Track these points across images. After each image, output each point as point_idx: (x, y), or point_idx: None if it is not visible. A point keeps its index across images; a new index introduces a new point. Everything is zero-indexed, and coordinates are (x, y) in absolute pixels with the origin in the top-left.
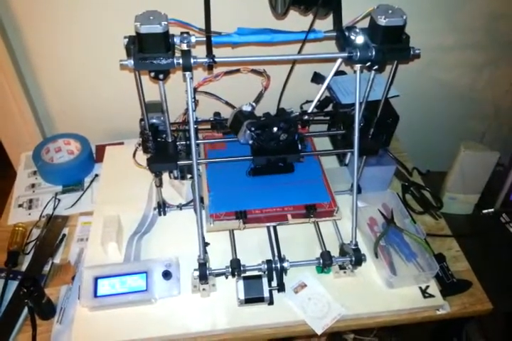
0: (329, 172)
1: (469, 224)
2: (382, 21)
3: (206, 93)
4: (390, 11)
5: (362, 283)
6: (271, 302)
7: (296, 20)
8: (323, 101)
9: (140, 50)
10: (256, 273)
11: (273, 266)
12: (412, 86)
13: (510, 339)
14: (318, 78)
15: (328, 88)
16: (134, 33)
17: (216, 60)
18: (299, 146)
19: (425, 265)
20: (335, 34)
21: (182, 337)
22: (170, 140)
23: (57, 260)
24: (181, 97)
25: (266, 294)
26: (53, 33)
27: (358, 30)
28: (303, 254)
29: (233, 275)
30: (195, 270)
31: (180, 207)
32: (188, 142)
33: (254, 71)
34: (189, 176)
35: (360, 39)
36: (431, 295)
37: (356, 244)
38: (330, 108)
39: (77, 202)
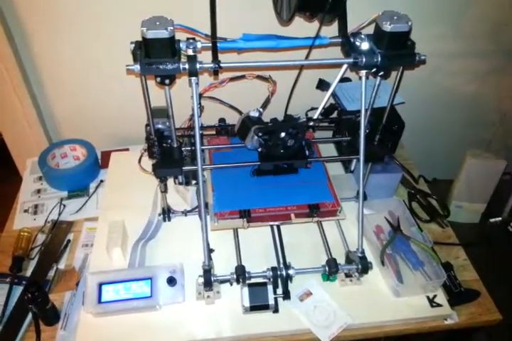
0: (335, 179)
1: (476, 232)
2: (388, 27)
3: (212, 98)
4: (395, 17)
5: (368, 291)
6: (276, 310)
7: (301, 27)
8: (328, 108)
9: (146, 55)
10: (261, 280)
11: (278, 273)
12: (416, 93)
13: None
14: (323, 85)
15: (334, 95)
16: (140, 39)
17: (222, 65)
18: (307, 152)
19: (432, 273)
20: (340, 40)
21: None
22: (175, 145)
23: (61, 265)
24: (187, 103)
25: (271, 301)
26: (59, 39)
27: (363, 36)
28: (308, 261)
29: (238, 282)
30: (199, 276)
31: (185, 213)
32: (193, 147)
33: (259, 77)
34: (194, 182)
35: (365, 45)
36: (438, 305)
37: (363, 252)
38: (335, 115)
39: (82, 207)
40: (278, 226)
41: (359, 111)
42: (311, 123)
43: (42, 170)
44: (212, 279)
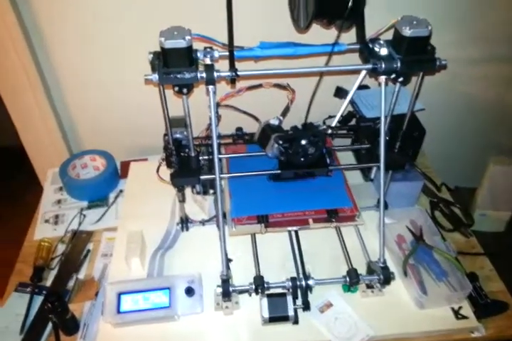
0: (354, 187)
1: (501, 241)
2: (407, 32)
3: (229, 106)
4: (415, 22)
5: (390, 303)
6: (296, 322)
7: (317, 34)
8: (346, 116)
9: (164, 64)
10: (280, 290)
11: (298, 283)
12: (437, 99)
13: None
14: (341, 93)
15: (352, 102)
16: (158, 49)
17: (239, 73)
18: (328, 160)
19: (457, 284)
20: (358, 46)
21: None
22: (193, 154)
23: (81, 275)
24: (204, 113)
25: (291, 313)
26: (79, 50)
27: (381, 42)
28: (328, 271)
29: (257, 292)
30: (218, 286)
31: (203, 222)
32: (210, 157)
33: (277, 85)
34: (212, 191)
35: (384, 51)
36: (464, 317)
37: (384, 262)
38: (353, 122)
39: (101, 217)
40: (296, 233)
41: (378, 119)
42: (330, 131)
43: (63, 181)
44: (231, 289)
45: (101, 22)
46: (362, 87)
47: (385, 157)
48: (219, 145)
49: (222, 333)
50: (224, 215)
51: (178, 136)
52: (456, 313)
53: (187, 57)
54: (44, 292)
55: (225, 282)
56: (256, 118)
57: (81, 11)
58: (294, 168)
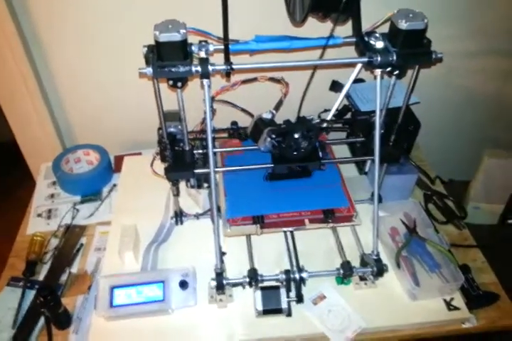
0: (348, 180)
1: (494, 234)
2: (403, 25)
3: (224, 101)
4: (411, 15)
5: (383, 294)
6: (289, 314)
7: (313, 27)
8: (341, 110)
9: (159, 58)
10: (273, 283)
11: (291, 276)
12: (432, 93)
13: None
14: (336, 86)
15: (347, 96)
16: (152, 43)
17: (234, 67)
18: (320, 154)
19: (450, 276)
20: (354, 39)
21: None
22: (187, 148)
23: (74, 269)
24: (198, 106)
25: (284, 305)
26: (73, 44)
27: (377, 35)
28: (321, 264)
29: (250, 285)
30: (212, 279)
31: (197, 216)
32: (205, 151)
33: (272, 79)
34: (206, 185)
35: (380, 44)
36: (456, 308)
37: (378, 254)
38: (348, 116)
39: (95, 212)
40: (291, 231)
41: (373, 112)
42: (325, 125)
43: (56, 175)
44: (225, 282)
45: (95, 16)
46: (357, 80)
47: (380, 150)
48: (213, 139)
49: (216, 326)
50: (218, 209)
51: (172, 130)
52: (448, 304)
53: (181, 50)
54: (36, 286)
55: (219, 275)
56: (251, 114)
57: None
58: (287, 162)
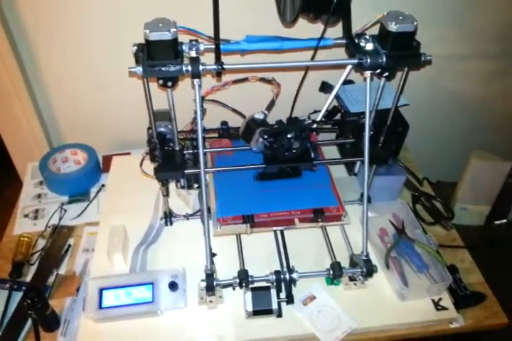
0: (338, 181)
1: (481, 235)
2: (393, 27)
3: (214, 101)
4: (401, 17)
5: (373, 295)
6: (279, 315)
7: (304, 28)
8: (330, 111)
9: (149, 57)
10: (263, 284)
11: (282, 276)
12: (421, 95)
13: None
14: (326, 87)
15: (337, 97)
16: (142, 41)
17: (225, 66)
18: (312, 154)
19: (438, 276)
20: (344, 41)
21: None
22: (177, 148)
23: (62, 271)
24: (188, 106)
25: (274, 306)
26: (61, 42)
27: (367, 37)
28: (311, 265)
29: (241, 286)
30: (202, 281)
31: (187, 216)
32: (195, 151)
33: (262, 79)
34: (196, 186)
35: (370, 46)
36: (444, 308)
37: (367, 255)
38: (337, 117)
39: (83, 212)
40: (282, 231)
41: (363, 113)
42: (315, 126)
43: (43, 175)
44: (215, 283)
45: (83, 12)
46: (347, 81)
47: (370, 151)
48: (204, 139)
49: (206, 327)
50: (208, 210)
51: (162, 129)
52: (437, 305)
53: (172, 49)
54: (23, 288)
55: (209, 276)
56: (242, 115)
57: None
58: (278, 163)
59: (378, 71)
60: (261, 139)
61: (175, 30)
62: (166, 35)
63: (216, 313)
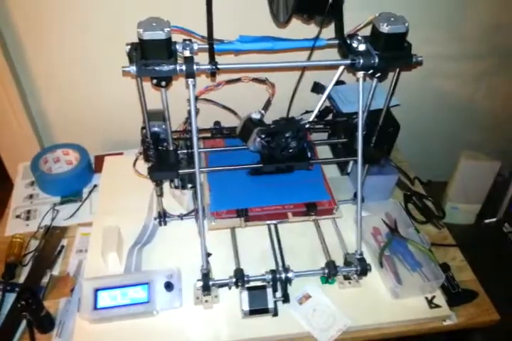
0: (330, 181)
1: (472, 233)
2: (385, 28)
3: (208, 100)
4: (392, 19)
5: (367, 293)
6: (275, 314)
7: (296, 29)
8: (322, 111)
9: (142, 56)
10: (259, 283)
11: (277, 276)
12: (411, 96)
13: None
14: (318, 88)
15: (329, 97)
16: (135, 41)
17: (219, 66)
18: (309, 154)
19: (430, 274)
20: (337, 42)
21: None
22: (171, 148)
23: (55, 272)
24: (181, 106)
25: (271, 305)
26: (52, 41)
27: (360, 38)
28: (305, 264)
29: (237, 285)
30: (198, 280)
31: (181, 217)
32: (189, 150)
33: (256, 80)
34: (190, 186)
35: (362, 46)
36: (437, 306)
37: (361, 254)
38: (329, 117)
39: (75, 212)
40: (276, 227)
41: (354, 113)
42: (307, 126)
43: (35, 175)
44: (211, 283)
45: (76, 11)
46: (338, 82)
47: (363, 150)
48: (198, 139)
49: (202, 327)
50: (203, 209)
51: (155, 129)
52: (430, 302)
53: (166, 49)
54: (17, 289)
55: (205, 276)
56: (234, 113)
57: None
58: (275, 162)
59: (370, 72)
60: (258, 139)
61: (168, 29)
62: (159, 35)
63: (212, 313)
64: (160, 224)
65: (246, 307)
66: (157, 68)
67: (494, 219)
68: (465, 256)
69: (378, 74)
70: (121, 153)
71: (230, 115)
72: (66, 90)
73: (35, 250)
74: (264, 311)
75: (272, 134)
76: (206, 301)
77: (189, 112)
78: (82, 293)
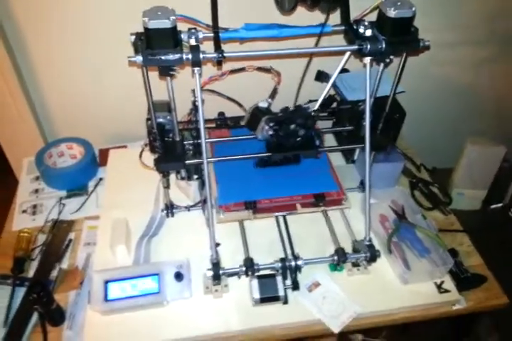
0: (336, 170)
1: (478, 219)
2: (392, 13)
3: (211, 91)
4: (399, 3)
5: (376, 280)
6: (285, 302)
7: (298, 16)
8: (326, 100)
9: (148, 46)
10: (268, 271)
11: (287, 264)
12: (414, 83)
13: None
14: (322, 76)
15: (333, 85)
16: (137, 31)
17: (225, 54)
18: (317, 142)
19: (439, 260)
20: (343, 28)
21: (196, 340)
22: (177, 139)
23: (64, 265)
24: (184, 97)
25: (281, 293)
26: (54, 35)
27: (366, 23)
28: (313, 252)
29: (247, 274)
30: (208, 270)
31: (188, 208)
32: (195, 141)
33: (260, 69)
34: (195, 176)
35: (369, 32)
36: (446, 290)
37: (370, 240)
38: (333, 106)
39: (82, 206)
40: (284, 218)
41: (360, 101)
42: (313, 114)
43: (39, 170)
44: (221, 272)
45: (76, 3)
46: (342, 70)
47: (371, 137)
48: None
49: (212, 316)
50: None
51: (161, 120)
52: (439, 287)
53: (171, 38)
54: (26, 283)
55: (215, 265)
56: (240, 105)
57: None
58: (283, 151)
59: (377, 57)
60: (267, 127)
61: (174, 18)
62: (165, 23)
63: (222, 302)
64: (167, 216)
65: (257, 295)
66: (163, 57)
67: (500, 205)
68: (472, 242)
69: (385, 60)
70: (124, 146)
71: (234, 106)
72: (68, 85)
73: (43, 244)
74: (274, 299)
75: (281, 122)
76: (216, 291)
77: (193, 103)
78: (92, 285)
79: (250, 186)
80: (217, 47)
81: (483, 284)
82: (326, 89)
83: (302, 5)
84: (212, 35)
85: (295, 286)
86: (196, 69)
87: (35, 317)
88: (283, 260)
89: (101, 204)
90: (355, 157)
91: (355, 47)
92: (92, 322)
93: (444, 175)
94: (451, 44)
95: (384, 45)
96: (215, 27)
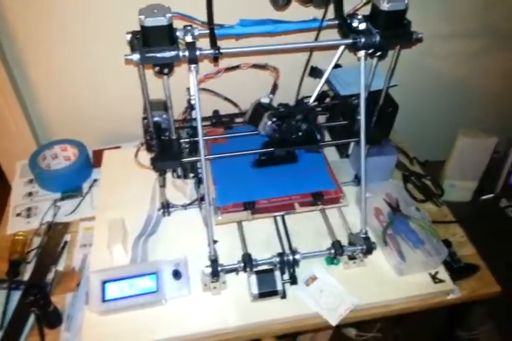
0: (331, 164)
1: (469, 210)
2: (385, 6)
3: (209, 90)
4: None
5: (372, 272)
6: (284, 296)
7: (292, 11)
8: (319, 96)
9: (144, 44)
10: (265, 267)
11: (285, 258)
12: (407, 76)
13: None
14: (315, 72)
15: (327, 81)
16: (131, 30)
17: (222, 51)
18: (318, 136)
19: (433, 250)
20: (337, 22)
21: (195, 337)
22: (174, 137)
23: (60, 267)
24: (179, 96)
25: (279, 287)
26: (46, 34)
27: (360, 17)
28: (311, 247)
29: (245, 270)
30: (206, 267)
31: (184, 206)
32: (192, 139)
33: (256, 66)
34: (192, 175)
35: (363, 25)
36: (441, 280)
37: (366, 232)
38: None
39: (76, 208)
40: (283, 218)
41: (353, 96)
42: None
43: (33, 172)
44: (219, 269)
45: (69, 6)
46: (334, 66)
47: (366, 130)
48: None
49: (212, 313)
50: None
51: (157, 119)
52: (434, 278)
53: (168, 35)
54: (22, 286)
55: (214, 262)
56: (235, 105)
57: None
58: (286, 146)
59: (371, 50)
60: (269, 122)
61: (170, 15)
62: (161, 21)
63: (220, 299)
64: (164, 215)
65: (255, 291)
66: (160, 55)
67: (491, 195)
68: (465, 232)
69: (379, 53)
70: (118, 147)
71: (228, 105)
72: (61, 85)
73: (39, 247)
74: (273, 293)
75: (283, 117)
76: (214, 288)
77: (188, 101)
78: (89, 285)
79: (248, 186)
80: (213, 44)
81: (476, 273)
82: (319, 85)
83: (296, 0)
84: (207, 31)
85: (293, 281)
86: (193, 66)
87: (31, 320)
88: (281, 255)
89: (96, 205)
90: (350, 151)
91: (350, 40)
92: (90, 323)
93: (436, 167)
94: (443, 36)
95: (378, 38)
96: (210, 23)
